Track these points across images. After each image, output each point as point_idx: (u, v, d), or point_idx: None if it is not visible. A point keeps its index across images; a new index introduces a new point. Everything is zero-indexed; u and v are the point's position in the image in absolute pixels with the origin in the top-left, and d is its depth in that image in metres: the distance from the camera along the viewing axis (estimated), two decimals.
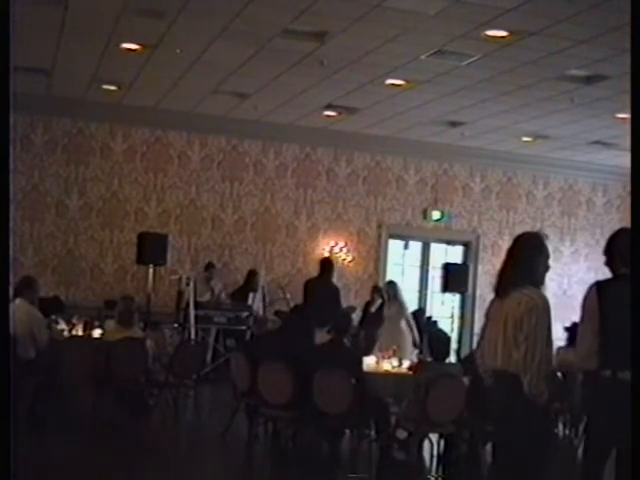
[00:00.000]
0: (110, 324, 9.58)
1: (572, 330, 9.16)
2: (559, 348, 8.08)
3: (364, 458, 7.96)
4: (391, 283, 12.86)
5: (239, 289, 13.87)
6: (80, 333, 9.79)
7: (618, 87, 10.11)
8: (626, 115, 10.94)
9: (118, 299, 10.05)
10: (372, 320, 13.23)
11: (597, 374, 4.63)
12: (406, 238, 15.85)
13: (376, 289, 13.96)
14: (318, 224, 15.09)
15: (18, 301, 8.42)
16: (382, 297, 12.80)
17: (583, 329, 4.75)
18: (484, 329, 4.88)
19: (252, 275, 13.91)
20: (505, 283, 4.71)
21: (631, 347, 4.30)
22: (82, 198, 13.95)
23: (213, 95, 12.66)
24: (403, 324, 11.92)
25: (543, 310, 4.58)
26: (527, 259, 4.69)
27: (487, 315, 4.85)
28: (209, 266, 13.83)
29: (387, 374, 8.16)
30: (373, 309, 13.62)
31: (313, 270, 14.48)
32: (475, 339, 12.63)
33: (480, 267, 15.55)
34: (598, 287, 4.75)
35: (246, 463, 8.20)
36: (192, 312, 12.42)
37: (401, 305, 12.30)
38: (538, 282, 4.68)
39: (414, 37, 9.25)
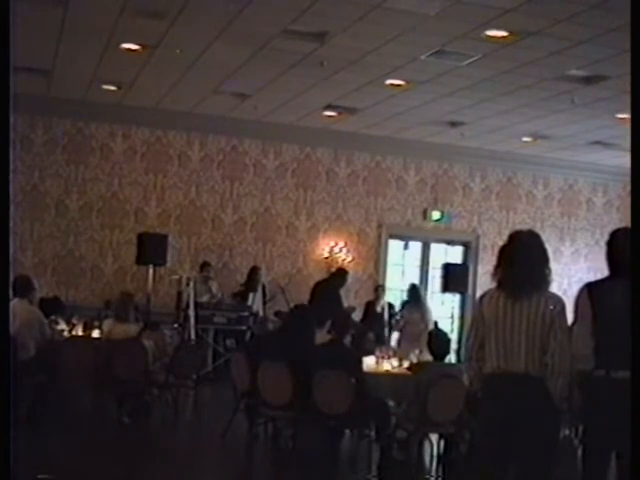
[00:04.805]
0: (108, 322, 9.61)
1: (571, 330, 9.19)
2: None
3: (364, 458, 7.97)
4: (414, 287, 12.97)
5: (242, 288, 13.86)
6: (80, 333, 9.79)
7: (618, 87, 10.11)
8: (626, 115, 10.94)
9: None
10: (379, 320, 13.32)
11: (591, 374, 4.63)
12: (406, 238, 15.85)
13: (380, 288, 14.04)
14: (318, 224, 15.09)
15: (16, 301, 8.40)
16: (410, 298, 12.83)
17: (578, 331, 4.74)
18: (485, 331, 4.67)
19: (255, 271, 13.90)
20: (525, 284, 4.56)
21: (632, 347, 4.31)
22: (82, 198, 13.96)
23: (213, 95, 12.67)
24: (425, 328, 11.89)
25: (565, 313, 4.57)
26: (546, 260, 4.66)
27: (490, 316, 4.64)
28: (205, 265, 13.81)
29: (387, 374, 8.16)
30: (379, 308, 13.66)
31: (313, 271, 14.55)
32: None
33: (480, 267, 15.54)
34: (589, 288, 4.73)
35: (246, 463, 8.20)
36: (192, 312, 12.43)
37: (425, 308, 12.36)
38: (550, 283, 4.67)
39: (414, 37, 9.25)
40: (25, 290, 8.63)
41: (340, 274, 12.95)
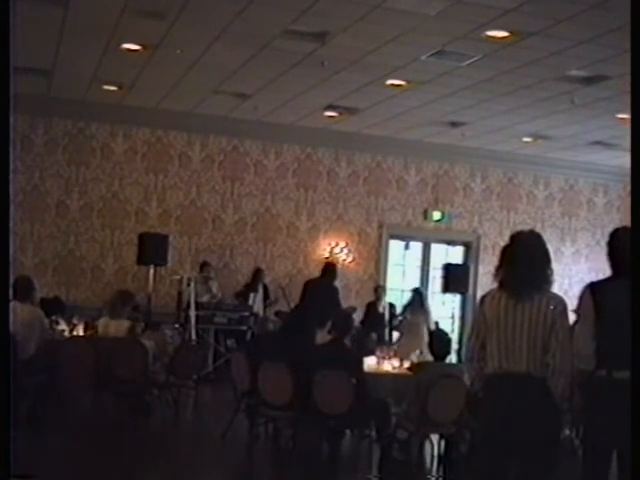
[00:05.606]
0: (103, 319, 9.63)
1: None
2: None
3: (364, 458, 7.97)
4: (418, 290, 13.03)
5: (245, 288, 13.85)
6: (81, 333, 9.80)
7: (618, 87, 10.11)
8: (626, 115, 10.93)
9: None
10: (380, 321, 13.33)
11: (593, 374, 4.63)
12: (407, 238, 15.85)
13: (380, 288, 14.05)
14: (319, 224, 15.09)
15: (17, 302, 8.39)
16: (414, 302, 12.90)
17: (579, 330, 4.74)
18: (486, 331, 4.66)
19: (258, 273, 13.90)
20: (527, 284, 4.57)
21: (632, 347, 4.31)
22: (83, 198, 13.96)
23: (214, 95, 12.67)
24: (426, 332, 11.97)
25: (567, 313, 4.58)
26: (548, 260, 4.66)
27: (492, 317, 4.63)
28: (204, 265, 13.81)
29: (387, 374, 8.16)
30: (380, 309, 13.67)
31: (314, 271, 14.51)
32: None
33: (481, 268, 15.53)
34: (592, 288, 4.73)
35: (246, 463, 8.20)
36: (193, 312, 12.43)
37: (427, 313, 12.47)
38: (551, 284, 4.67)
39: (414, 37, 9.25)
40: (26, 292, 8.60)
41: (329, 269, 12.56)
